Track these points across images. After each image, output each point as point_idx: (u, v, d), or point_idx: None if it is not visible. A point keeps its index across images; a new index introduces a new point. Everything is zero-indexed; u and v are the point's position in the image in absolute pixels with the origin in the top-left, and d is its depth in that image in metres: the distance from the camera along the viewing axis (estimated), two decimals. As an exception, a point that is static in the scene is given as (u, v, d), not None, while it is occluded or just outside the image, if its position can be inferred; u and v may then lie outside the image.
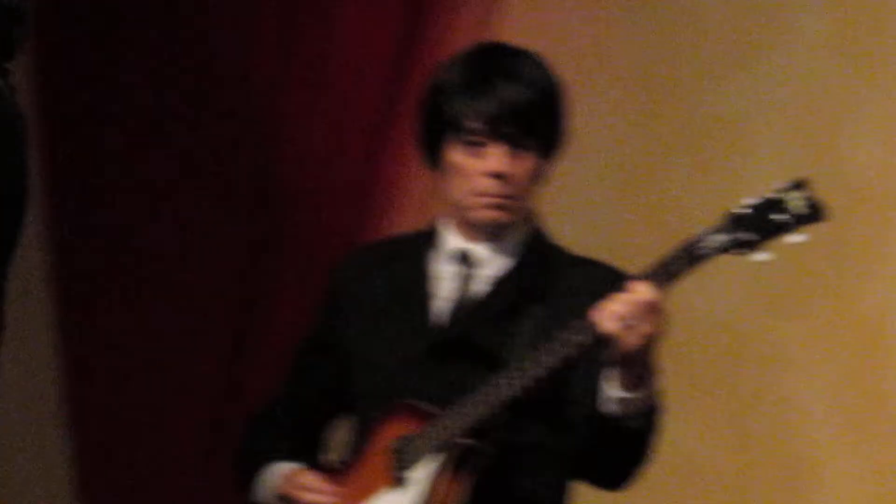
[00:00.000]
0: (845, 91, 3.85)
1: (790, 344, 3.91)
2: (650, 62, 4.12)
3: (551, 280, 2.52)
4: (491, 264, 2.49)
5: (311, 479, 2.43)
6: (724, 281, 3.90)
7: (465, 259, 2.49)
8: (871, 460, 3.82)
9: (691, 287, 3.50)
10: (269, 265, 3.95)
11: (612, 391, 2.29)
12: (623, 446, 2.38)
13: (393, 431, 2.47)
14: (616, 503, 2.77)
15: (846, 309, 3.89)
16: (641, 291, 2.25)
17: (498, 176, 2.41)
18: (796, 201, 2.30)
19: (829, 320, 3.91)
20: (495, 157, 2.40)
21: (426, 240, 2.53)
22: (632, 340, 2.25)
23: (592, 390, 2.34)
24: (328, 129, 3.92)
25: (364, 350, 2.50)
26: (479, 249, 2.49)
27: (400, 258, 2.59)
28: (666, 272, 2.29)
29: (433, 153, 2.48)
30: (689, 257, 2.30)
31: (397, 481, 2.44)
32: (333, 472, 2.48)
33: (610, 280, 2.45)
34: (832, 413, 3.88)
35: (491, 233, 2.48)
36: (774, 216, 2.31)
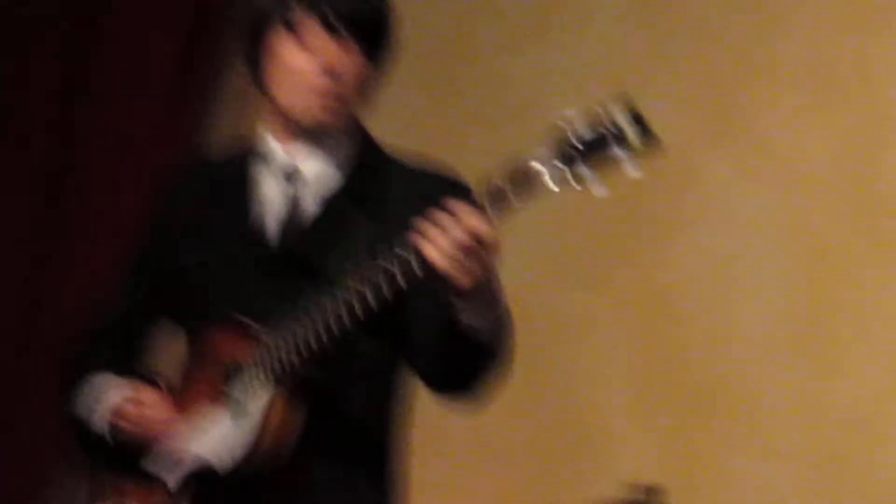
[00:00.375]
0: (642, 62, 3.94)
1: (588, 314, 3.97)
2: (450, 30, 4.15)
3: (382, 192, 2.53)
4: (319, 176, 2.50)
5: (146, 394, 2.44)
6: (520, 249, 3.87)
7: (292, 174, 2.50)
8: (661, 427, 3.92)
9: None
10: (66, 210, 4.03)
11: (454, 301, 2.30)
12: (468, 357, 2.40)
13: (224, 351, 2.47)
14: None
15: (643, 279, 3.96)
16: (473, 226, 2.21)
17: (326, 72, 2.42)
18: (631, 130, 2.25)
19: (627, 290, 3.97)
20: (322, 49, 2.42)
21: (250, 152, 2.54)
22: (465, 277, 2.23)
23: (434, 301, 2.34)
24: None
25: (193, 265, 2.51)
26: (307, 162, 2.50)
27: (226, 172, 2.59)
28: (498, 201, 2.24)
29: (258, 60, 2.48)
30: (521, 186, 2.24)
31: (228, 406, 2.45)
32: (164, 390, 2.49)
33: (445, 191, 2.42)
34: (627, 380, 3.97)
35: (313, 136, 2.49)
36: (607, 143, 2.24)
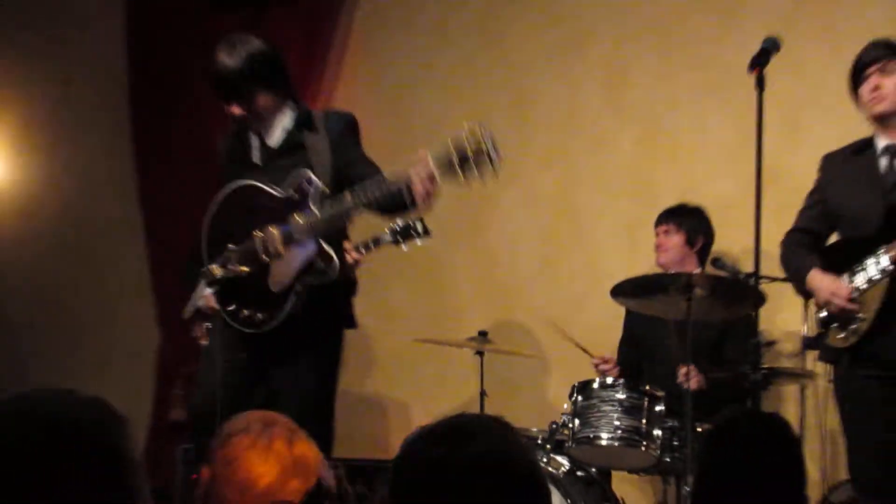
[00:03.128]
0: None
1: (455, 261, 5.42)
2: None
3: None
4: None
5: None
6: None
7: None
8: (487, 299, 5.34)
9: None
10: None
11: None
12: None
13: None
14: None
15: (479, 240, 5.47)
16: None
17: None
18: (419, 226, 3.35)
19: (468, 244, 5.45)
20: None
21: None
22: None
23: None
24: None
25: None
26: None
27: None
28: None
29: None
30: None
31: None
32: None
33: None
34: (467, 276, 5.52)
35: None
36: (410, 230, 3.37)
